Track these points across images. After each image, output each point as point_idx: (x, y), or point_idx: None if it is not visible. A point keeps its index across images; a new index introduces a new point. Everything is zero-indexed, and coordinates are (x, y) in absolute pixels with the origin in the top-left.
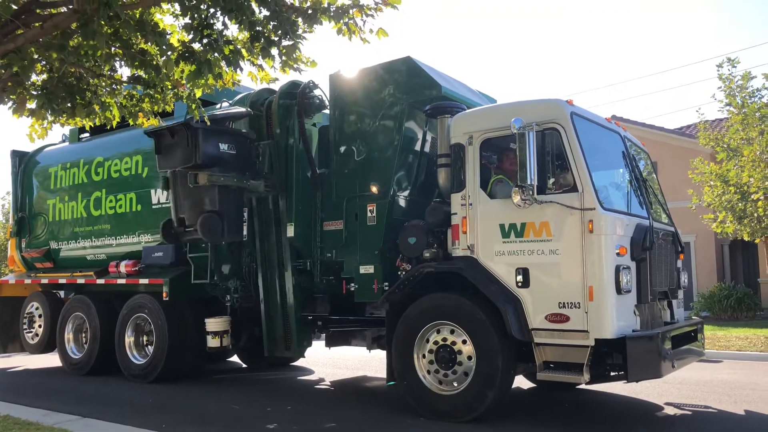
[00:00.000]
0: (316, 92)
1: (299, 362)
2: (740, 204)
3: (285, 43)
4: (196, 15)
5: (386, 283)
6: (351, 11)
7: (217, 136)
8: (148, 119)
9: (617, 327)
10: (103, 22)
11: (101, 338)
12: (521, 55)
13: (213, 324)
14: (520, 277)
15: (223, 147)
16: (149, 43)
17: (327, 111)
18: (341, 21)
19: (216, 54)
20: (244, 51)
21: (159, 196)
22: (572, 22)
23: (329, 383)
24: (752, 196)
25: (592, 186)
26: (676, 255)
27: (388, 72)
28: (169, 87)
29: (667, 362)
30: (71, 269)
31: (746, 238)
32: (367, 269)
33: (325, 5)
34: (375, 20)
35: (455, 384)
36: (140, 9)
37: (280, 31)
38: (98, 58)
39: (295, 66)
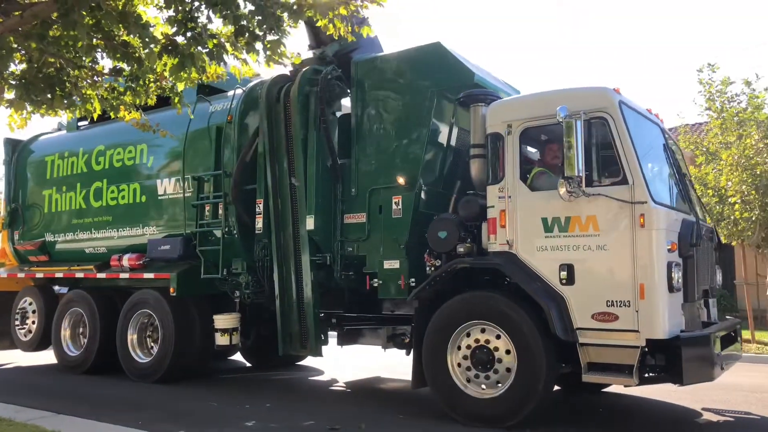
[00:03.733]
0: (338, 79)
1: (305, 362)
2: (718, 207)
3: (270, 37)
4: (180, 8)
5: (413, 280)
6: (336, 8)
7: None
8: (130, 112)
9: (669, 327)
10: (84, 13)
11: (101, 335)
12: (517, 55)
13: (222, 321)
14: (564, 274)
15: None
16: (132, 35)
17: (344, 100)
18: (327, 17)
19: (200, 48)
20: (228, 45)
21: (166, 187)
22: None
23: (344, 384)
24: (729, 200)
25: (643, 178)
26: (715, 252)
27: (416, 58)
28: (152, 80)
29: (717, 366)
30: (68, 263)
31: (723, 241)
32: (391, 264)
33: (311, 1)
34: (360, 17)
35: (493, 387)
36: (123, 0)
37: (264, 26)
38: (79, 49)
39: (279, 61)
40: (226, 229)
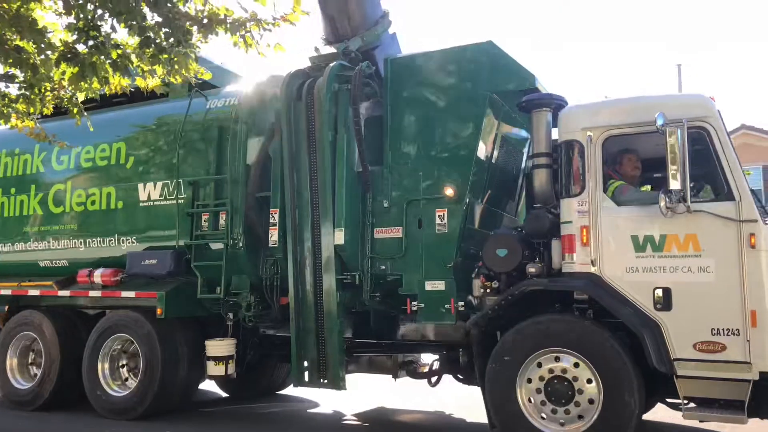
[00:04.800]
0: (369, 77)
1: (291, 392)
2: None
3: (177, 50)
4: (81, 15)
5: (461, 303)
6: (248, 24)
7: None
8: (23, 121)
9: None
10: None
11: (61, 365)
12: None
13: (216, 347)
14: (659, 298)
15: None
16: (26, 41)
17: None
18: (237, 33)
19: (102, 57)
20: (133, 56)
21: (149, 192)
22: None
23: (354, 417)
24: None
25: (750, 194)
26: None
27: (466, 58)
28: (48, 88)
29: None
30: (17, 278)
31: None
32: (435, 285)
33: (222, 16)
34: (272, 34)
35: (573, 425)
36: (18, 3)
37: (171, 39)
38: None
39: (186, 75)
40: (230, 242)
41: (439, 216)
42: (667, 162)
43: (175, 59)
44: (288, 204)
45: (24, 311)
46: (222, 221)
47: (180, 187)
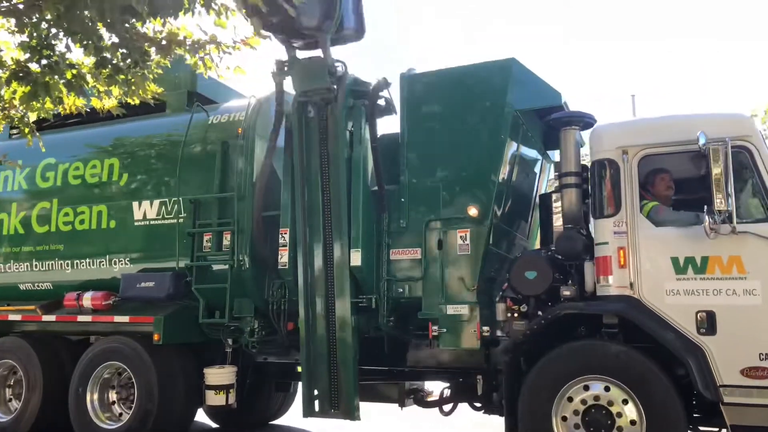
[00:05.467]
0: (384, 94)
1: (286, 421)
2: None
3: (135, 71)
4: (35, 33)
5: (486, 328)
6: (208, 47)
7: None
8: None
9: None
10: None
11: (44, 396)
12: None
13: (216, 376)
14: (703, 322)
15: None
16: None
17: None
18: (197, 55)
19: (56, 77)
20: (89, 76)
21: (145, 210)
22: None
23: None
24: None
25: None
26: None
27: (488, 75)
28: None
29: None
30: None
31: None
32: (457, 309)
33: (181, 37)
34: (232, 57)
35: None
36: None
37: (129, 60)
38: None
39: (143, 96)
40: (235, 263)
41: (461, 237)
42: (710, 182)
43: (132, 80)
44: (299, 223)
45: (6, 338)
46: (226, 241)
47: (180, 205)
